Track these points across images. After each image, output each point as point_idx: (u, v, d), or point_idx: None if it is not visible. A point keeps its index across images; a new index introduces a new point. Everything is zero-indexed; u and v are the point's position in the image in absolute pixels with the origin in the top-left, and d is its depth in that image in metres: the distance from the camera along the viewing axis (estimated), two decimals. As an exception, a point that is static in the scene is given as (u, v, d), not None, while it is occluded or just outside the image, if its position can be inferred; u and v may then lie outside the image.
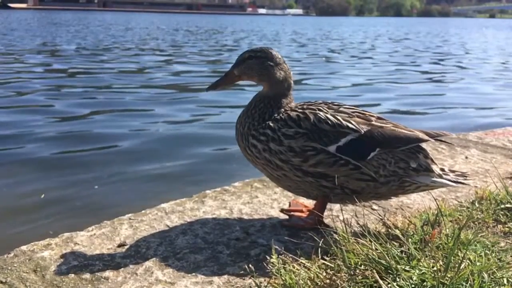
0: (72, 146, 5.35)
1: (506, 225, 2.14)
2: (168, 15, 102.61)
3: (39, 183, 4.18)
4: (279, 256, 1.72)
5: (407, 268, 1.57)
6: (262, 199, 2.57)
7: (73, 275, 1.81)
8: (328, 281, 1.58)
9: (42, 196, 3.87)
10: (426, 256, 1.68)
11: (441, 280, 1.47)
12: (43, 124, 6.23)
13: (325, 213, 2.20)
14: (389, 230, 1.99)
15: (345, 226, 1.79)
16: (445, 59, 17.08)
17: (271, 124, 2.06)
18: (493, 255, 1.72)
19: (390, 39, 29.03)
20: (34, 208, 3.68)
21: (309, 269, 1.65)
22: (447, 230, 1.87)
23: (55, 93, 8.48)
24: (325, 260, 1.72)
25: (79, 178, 4.35)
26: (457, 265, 1.52)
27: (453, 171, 2.17)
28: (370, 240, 1.68)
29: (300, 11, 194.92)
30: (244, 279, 1.79)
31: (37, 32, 25.19)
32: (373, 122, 2.06)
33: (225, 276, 1.82)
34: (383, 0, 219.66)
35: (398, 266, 1.57)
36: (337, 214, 2.30)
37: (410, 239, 1.83)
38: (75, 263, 1.90)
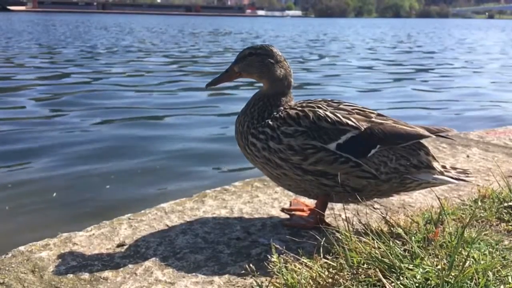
0: (76, 148, 5.35)
1: (510, 223, 2.11)
2: (169, 17, 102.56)
3: (43, 182, 4.18)
4: (281, 255, 1.70)
5: (410, 266, 1.55)
6: (263, 199, 2.55)
7: (71, 275, 1.79)
8: (330, 280, 1.56)
9: (54, 195, 3.88)
10: (430, 255, 1.66)
11: (445, 278, 1.45)
12: (48, 130, 6.19)
13: (327, 212, 2.18)
14: (392, 228, 1.96)
15: (347, 225, 1.77)
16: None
17: (270, 122, 2.04)
18: (497, 253, 1.70)
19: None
20: (34, 208, 3.67)
21: (311, 268, 1.63)
22: (450, 228, 1.85)
23: (61, 101, 8.36)
24: (327, 259, 1.69)
25: (82, 178, 4.34)
26: (461, 264, 1.50)
27: (454, 168, 2.15)
28: (372, 239, 1.66)
29: (299, 12, 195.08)
30: (245, 279, 1.77)
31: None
32: (373, 119, 2.04)
33: (226, 276, 1.80)
34: (382, 1, 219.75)
35: (402, 265, 1.55)
36: (339, 213, 2.28)
37: (413, 238, 1.81)
38: (74, 263, 1.88)
